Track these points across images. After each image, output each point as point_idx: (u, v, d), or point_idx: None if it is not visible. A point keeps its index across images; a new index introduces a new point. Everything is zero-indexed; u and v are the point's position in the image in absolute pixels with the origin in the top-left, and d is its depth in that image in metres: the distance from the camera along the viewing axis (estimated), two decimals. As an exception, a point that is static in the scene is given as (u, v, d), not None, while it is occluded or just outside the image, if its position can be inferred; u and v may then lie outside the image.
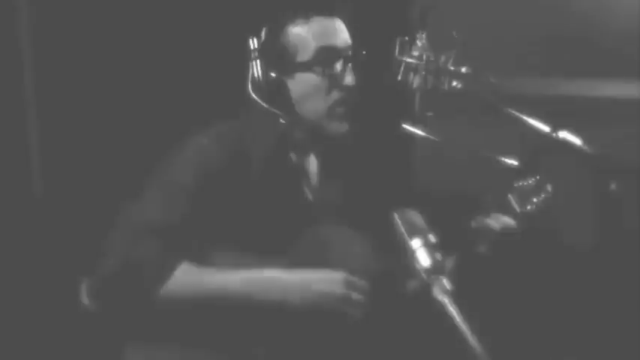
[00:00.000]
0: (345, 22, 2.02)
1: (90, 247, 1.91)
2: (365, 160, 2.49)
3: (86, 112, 2.81)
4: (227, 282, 1.86)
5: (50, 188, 2.82)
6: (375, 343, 1.99)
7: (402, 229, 1.61)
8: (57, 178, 2.81)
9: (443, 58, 2.03)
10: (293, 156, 2.06)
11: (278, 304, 1.86)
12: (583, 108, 2.85)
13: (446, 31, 2.04)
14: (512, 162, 2.04)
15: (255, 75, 1.99)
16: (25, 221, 2.78)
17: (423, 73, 2.03)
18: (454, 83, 2.05)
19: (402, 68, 2.04)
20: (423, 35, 2.04)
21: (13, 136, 2.77)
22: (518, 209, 2.05)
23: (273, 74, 1.98)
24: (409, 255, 1.59)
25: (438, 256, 1.59)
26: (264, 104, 1.98)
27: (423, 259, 1.58)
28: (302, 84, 1.98)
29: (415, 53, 2.03)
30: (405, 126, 2.07)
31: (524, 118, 2.00)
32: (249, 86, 2.00)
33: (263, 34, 2.01)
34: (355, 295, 1.88)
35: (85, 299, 1.88)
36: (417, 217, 1.63)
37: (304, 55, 1.98)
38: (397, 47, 2.05)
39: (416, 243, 1.59)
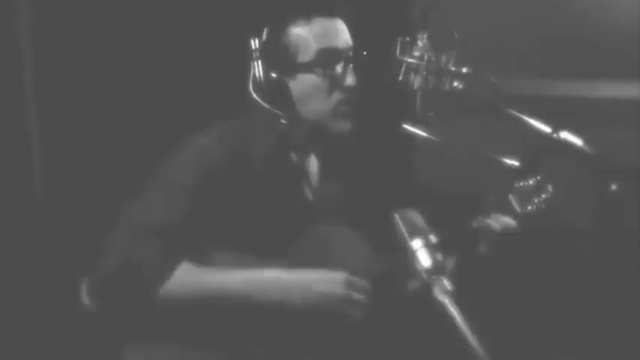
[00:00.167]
0: (346, 22, 2.02)
1: (90, 247, 1.91)
2: (366, 160, 2.49)
3: (86, 112, 2.81)
4: (227, 282, 1.86)
5: (50, 188, 2.82)
6: (375, 344, 1.99)
7: (403, 230, 1.61)
8: (57, 179, 2.81)
9: (444, 59, 2.03)
10: (294, 156, 2.06)
11: (278, 305, 1.86)
12: (583, 108, 2.85)
13: (447, 32, 2.04)
14: (513, 162, 2.04)
15: (257, 75, 1.99)
16: (25, 221, 2.78)
17: (424, 73, 2.03)
18: (455, 83, 2.05)
19: (403, 68, 2.04)
20: (424, 35, 2.04)
21: (13, 136, 2.77)
22: (518, 209, 2.05)
23: (274, 74, 1.98)
24: (410, 255, 1.59)
25: (439, 256, 1.59)
26: (265, 104, 1.98)
27: (424, 259, 1.58)
28: (303, 84, 1.98)
29: (416, 53, 2.03)
30: (406, 126, 2.07)
31: (525, 118, 2.00)
32: (250, 86, 2.00)
33: (264, 34, 2.01)
34: (356, 296, 1.88)
35: (85, 299, 1.88)
36: (417, 218, 1.63)
37: (305, 56, 1.98)
38: (398, 47, 2.05)
39: (417, 243, 1.59)
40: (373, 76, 2.08)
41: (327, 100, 1.99)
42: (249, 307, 1.86)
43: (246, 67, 2.00)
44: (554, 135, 1.96)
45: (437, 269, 1.57)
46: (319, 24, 1.98)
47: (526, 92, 2.79)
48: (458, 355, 1.52)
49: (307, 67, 1.97)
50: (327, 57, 1.98)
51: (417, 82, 2.04)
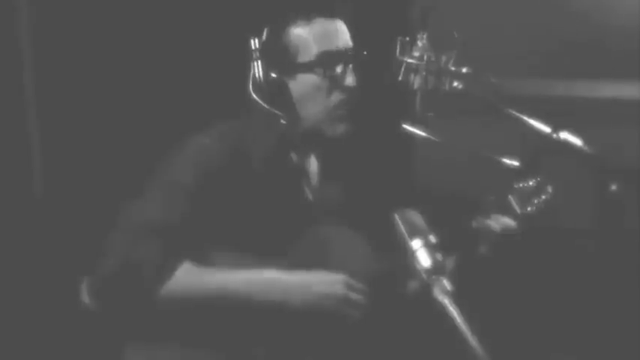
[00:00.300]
0: (346, 22, 2.02)
1: (90, 247, 1.91)
2: (365, 161, 2.49)
3: (86, 112, 2.81)
4: (227, 282, 1.86)
5: (50, 188, 2.82)
6: (375, 344, 1.99)
7: (403, 230, 1.61)
8: (57, 179, 2.81)
9: (444, 59, 2.03)
10: (293, 156, 2.06)
11: (278, 305, 1.86)
12: (583, 108, 2.85)
13: (447, 32, 2.04)
14: (513, 163, 2.04)
15: (256, 75, 1.99)
16: (25, 221, 2.78)
17: (424, 73, 2.03)
18: (455, 84, 2.04)
19: (402, 69, 2.04)
20: (424, 36, 2.04)
21: (13, 136, 2.77)
22: (518, 210, 2.05)
23: (274, 75, 1.98)
24: (409, 255, 1.59)
25: (439, 256, 1.59)
26: (264, 105, 1.98)
27: (424, 259, 1.58)
28: (303, 85, 1.98)
29: (416, 54, 2.03)
30: (406, 126, 2.07)
31: (525, 118, 2.00)
32: (250, 86, 2.00)
33: (264, 34, 2.01)
34: (355, 297, 1.88)
35: (85, 299, 1.88)
36: (417, 218, 1.63)
37: (305, 57, 1.98)
38: (398, 47, 2.05)
39: (416, 243, 1.59)
40: (373, 76, 2.08)
41: (326, 101, 1.99)
42: (249, 308, 1.86)
43: (247, 67, 2.00)
44: (554, 135, 1.96)
45: (436, 269, 1.57)
46: (319, 24, 1.98)
47: (526, 92, 2.79)
48: (458, 356, 1.52)
49: (307, 68, 1.97)
50: (327, 57, 1.97)
51: (416, 82, 2.04)
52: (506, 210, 2.05)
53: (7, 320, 2.73)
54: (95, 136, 2.81)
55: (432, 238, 1.60)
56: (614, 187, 1.90)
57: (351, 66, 2.00)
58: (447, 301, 1.53)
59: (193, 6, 2.84)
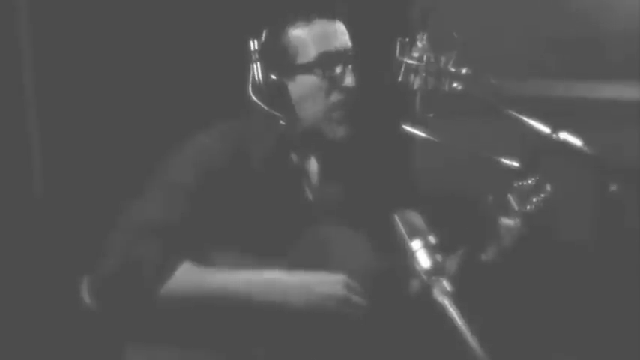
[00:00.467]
0: (345, 23, 2.02)
1: (90, 247, 1.91)
2: (365, 161, 2.49)
3: (86, 112, 2.81)
4: (227, 282, 1.86)
5: (50, 188, 2.82)
6: (375, 344, 1.99)
7: (403, 230, 1.61)
8: (57, 178, 2.81)
9: (443, 59, 2.03)
10: (294, 157, 2.06)
11: (278, 305, 1.86)
12: (583, 109, 2.85)
13: (446, 33, 2.04)
14: (513, 163, 2.04)
15: (256, 77, 1.99)
16: (25, 221, 2.78)
17: (424, 74, 2.03)
18: (455, 84, 2.05)
19: (402, 69, 2.04)
20: (424, 36, 2.04)
21: (13, 136, 2.77)
22: (517, 209, 2.05)
23: (273, 76, 1.98)
24: (409, 256, 1.60)
25: (439, 257, 1.59)
26: (264, 106, 1.98)
27: (423, 260, 1.58)
28: (302, 86, 1.98)
29: (416, 54, 2.03)
30: (406, 127, 2.07)
31: (525, 119, 2.00)
32: (250, 88, 2.00)
33: (263, 35, 2.01)
34: (355, 297, 1.88)
35: (85, 298, 1.88)
36: (417, 218, 1.63)
37: (304, 58, 1.97)
38: (398, 48, 2.05)
39: (416, 244, 1.60)
40: (373, 76, 2.08)
41: (325, 101, 1.99)
42: (249, 308, 1.86)
43: (246, 68, 2.00)
44: (554, 135, 1.96)
45: (436, 270, 1.57)
46: (318, 25, 1.98)
47: (526, 92, 2.79)
48: (458, 356, 1.52)
49: (306, 69, 1.97)
50: (326, 58, 1.97)
51: (416, 82, 2.04)
52: (506, 209, 2.05)
53: (7, 320, 2.73)
54: (95, 136, 2.81)
55: (432, 239, 1.60)
56: (614, 187, 1.90)
57: (350, 67, 2.00)
58: (447, 302, 1.53)
59: (193, 7, 2.84)
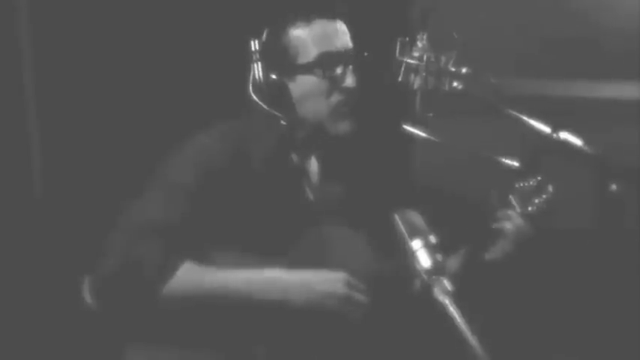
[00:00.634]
0: (345, 23, 2.02)
1: (90, 247, 1.91)
2: (366, 161, 2.49)
3: (86, 112, 2.81)
4: (228, 281, 1.86)
5: (50, 188, 2.82)
6: (375, 344, 1.99)
7: (403, 230, 1.61)
8: (57, 178, 2.81)
9: (443, 59, 2.03)
10: (294, 156, 2.06)
11: (279, 304, 1.86)
12: (583, 108, 2.86)
13: (446, 32, 2.04)
14: (513, 163, 2.04)
15: (256, 76, 1.99)
16: (25, 221, 2.78)
17: (424, 73, 2.03)
18: (455, 84, 2.05)
19: (402, 69, 2.04)
20: (424, 36, 2.04)
21: (13, 136, 2.77)
22: (519, 210, 2.05)
23: (273, 76, 1.98)
24: (410, 256, 1.60)
25: (439, 257, 1.59)
26: (264, 106, 1.98)
27: (424, 259, 1.58)
28: (303, 86, 1.98)
29: (416, 54, 2.04)
30: (406, 126, 2.07)
31: (525, 118, 2.00)
32: (250, 88, 2.00)
33: (264, 35, 2.01)
34: (356, 296, 1.88)
35: (86, 298, 1.88)
36: (417, 218, 1.64)
37: (305, 58, 1.97)
38: (398, 48, 2.05)
39: (416, 244, 1.60)
40: (373, 76, 2.08)
41: (326, 102, 1.99)
42: (250, 307, 1.86)
43: (247, 68, 2.00)
44: (554, 135, 1.96)
45: (437, 270, 1.57)
46: (319, 25, 1.98)
47: (526, 92, 2.79)
48: (458, 356, 1.52)
49: (307, 69, 1.97)
50: (327, 58, 1.97)
51: (416, 82, 2.04)
52: (508, 208, 2.05)
53: (7, 320, 2.73)
54: (95, 136, 2.81)
55: (432, 239, 1.60)
56: (614, 187, 1.90)
57: (351, 67, 2.00)
58: (447, 302, 1.53)
59: (193, 7, 2.84)
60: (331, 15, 2.00)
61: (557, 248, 2.89)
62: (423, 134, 2.07)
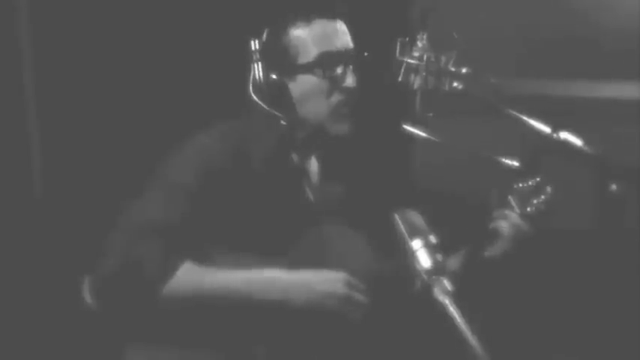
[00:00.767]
0: (346, 23, 2.02)
1: (90, 247, 1.91)
2: (366, 161, 2.49)
3: (86, 112, 2.81)
4: (228, 281, 1.86)
5: (50, 188, 2.82)
6: (375, 344, 1.99)
7: (403, 230, 1.61)
8: (57, 178, 2.81)
9: (443, 59, 2.03)
10: (294, 156, 2.06)
11: (279, 304, 1.86)
12: (583, 108, 2.85)
13: (446, 32, 2.04)
14: (513, 163, 2.04)
15: (256, 76, 1.99)
16: (25, 221, 2.78)
17: (424, 73, 2.03)
18: (455, 84, 2.05)
19: (402, 69, 2.04)
20: (424, 36, 2.04)
21: (13, 136, 2.77)
22: (518, 211, 2.05)
23: (274, 76, 1.98)
24: (410, 256, 1.60)
25: (439, 256, 1.59)
26: (264, 106, 1.98)
27: (424, 259, 1.58)
28: (303, 86, 1.98)
29: (416, 54, 2.04)
30: (406, 126, 2.07)
31: (525, 118, 2.00)
32: (250, 88, 2.00)
33: (264, 35, 2.01)
34: (356, 296, 1.88)
35: (86, 298, 1.88)
36: (417, 218, 1.64)
37: (305, 58, 1.97)
38: (398, 48, 2.05)
39: (416, 244, 1.60)
40: (373, 76, 2.08)
41: (326, 102, 1.99)
42: (250, 307, 1.86)
43: (247, 68, 2.00)
44: (554, 135, 1.96)
45: (437, 270, 1.57)
46: (319, 25, 1.98)
47: (526, 92, 2.79)
48: (458, 356, 1.52)
49: (307, 69, 1.97)
50: (327, 58, 1.97)
51: (416, 82, 2.04)
52: (507, 208, 2.05)
53: (7, 320, 2.73)
54: (95, 136, 2.81)
55: (433, 239, 1.60)
56: (614, 187, 1.90)
57: (351, 67, 2.00)
58: (447, 302, 1.53)
59: (194, 7, 2.84)
60: (331, 15, 2.00)
61: (556, 248, 2.89)
62: (423, 134, 2.07)
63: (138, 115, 2.81)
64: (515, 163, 2.04)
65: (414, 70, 2.03)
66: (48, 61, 2.78)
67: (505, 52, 2.96)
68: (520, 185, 2.07)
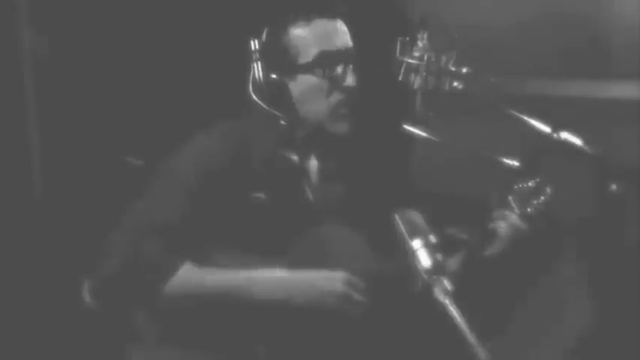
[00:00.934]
0: (346, 22, 2.02)
1: (90, 247, 1.92)
2: (366, 161, 2.49)
3: (86, 112, 2.81)
4: (229, 281, 1.87)
5: (50, 188, 2.82)
6: (375, 343, 1.99)
7: (403, 230, 1.61)
8: (57, 178, 2.81)
9: (444, 59, 2.03)
10: (294, 156, 2.06)
11: (279, 303, 1.86)
12: (583, 108, 2.85)
13: (447, 32, 2.04)
14: (513, 162, 2.04)
15: (256, 76, 1.99)
16: (25, 221, 2.78)
17: (424, 73, 2.03)
18: (455, 84, 2.05)
19: (403, 69, 2.04)
20: (424, 35, 2.04)
21: (13, 136, 2.77)
22: (517, 211, 2.05)
23: (273, 75, 1.98)
24: (410, 255, 1.60)
25: (439, 256, 1.59)
26: (264, 105, 1.98)
27: (424, 259, 1.58)
28: (303, 85, 1.98)
29: (416, 54, 2.04)
30: (406, 126, 2.07)
31: (525, 118, 2.00)
32: (250, 87, 2.00)
33: (264, 35, 2.01)
34: (356, 294, 1.88)
35: (87, 298, 1.88)
36: (417, 218, 1.64)
37: (305, 57, 1.97)
38: (398, 47, 2.05)
39: (416, 243, 1.60)
40: (373, 76, 2.08)
41: (326, 101, 1.99)
42: (250, 306, 1.86)
43: (247, 68, 2.00)
44: (554, 135, 1.96)
45: (437, 269, 1.57)
46: (319, 25, 1.98)
47: (526, 91, 2.79)
48: (458, 355, 1.52)
49: (307, 69, 1.97)
50: (327, 58, 1.97)
51: (417, 82, 2.04)
52: (507, 208, 2.05)
53: (7, 320, 2.73)
54: (95, 136, 2.81)
55: (433, 238, 1.60)
56: (614, 187, 1.90)
57: (351, 66, 2.00)
58: (447, 301, 1.53)
59: (194, 6, 2.84)
60: (331, 14, 2.00)
61: (556, 248, 2.89)
62: (423, 134, 2.07)
63: (138, 115, 2.81)
64: (515, 163, 2.04)
65: (414, 69, 2.03)
66: (48, 62, 2.78)
67: (505, 52, 2.96)
68: (520, 186, 2.07)
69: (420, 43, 2.04)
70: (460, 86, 2.04)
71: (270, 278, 1.87)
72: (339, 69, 1.99)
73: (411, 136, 2.08)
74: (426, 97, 2.06)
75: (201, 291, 1.86)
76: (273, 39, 1.99)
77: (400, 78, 2.05)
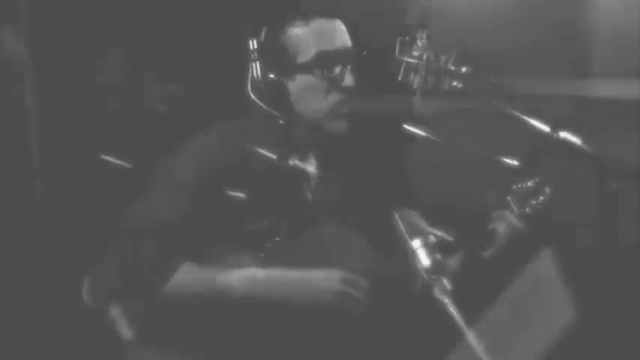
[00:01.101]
0: (344, 22, 2.02)
1: (90, 248, 1.91)
2: (365, 160, 2.49)
3: (86, 112, 2.81)
4: (227, 281, 1.87)
5: (50, 188, 2.82)
6: (375, 343, 1.99)
7: (403, 229, 1.61)
8: (57, 179, 2.81)
9: (443, 58, 2.03)
10: (293, 156, 2.06)
11: (277, 302, 1.86)
12: (583, 108, 2.85)
13: (447, 32, 2.04)
14: (513, 162, 2.04)
15: (255, 76, 1.99)
16: (25, 221, 2.78)
17: (424, 73, 2.03)
18: (454, 83, 2.05)
19: (402, 68, 2.04)
20: (424, 35, 2.04)
21: (13, 136, 2.77)
22: (516, 211, 2.05)
23: (272, 75, 1.98)
24: (409, 255, 1.60)
25: (438, 256, 1.59)
26: (263, 105, 1.98)
27: (424, 259, 1.59)
28: (301, 85, 1.98)
29: (415, 53, 2.04)
30: (406, 126, 2.07)
31: (525, 118, 2.00)
32: (249, 87, 2.00)
33: (263, 34, 2.01)
34: (353, 292, 1.88)
35: (86, 298, 1.88)
36: (417, 218, 1.64)
37: (304, 57, 1.97)
38: (397, 47, 2.05)
39: (416, 243, 1.60)
40: (373, 76, 2.08)
41: (325, 101, 1.99)
42: (249, 305, 1.86)
43: (246, 67, 2.00)
44: (554, 135, 1.96)
45: (436, 269, 1.57)
46: (318, 24, 1.98)
47: (526, 92, 2.79)
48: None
49: (305, 68, 1.97)
50: (326, 58, 1.97)
51: (416, 81, 2.04)
52: (505, 208, 2.05)
53: (7, 320, 2.73)
54: (95, 136, 2.81)
55: (432, 238, 1.61)
56: (614, 187, 1.90)
57: (349, 66, 2.00)
58: (447, 301, 1.53)
59: (193, 6, 2.84)
60: (330, 14, 2.00)
61: (556, 248, 2.89)
62: (422, 133, 2.07)
63: (137, 115, 2.81)
64: (515, 163, 2.04)
65: (414, 69, 2.03)
66: (48, 61, 2.78)
67: (505, 52, 2.96)
68: (519, 186, 2.07)
69: (419, 43, 2.04)
70: (460, 85, 2.04)
71: (269, 278, 1.88)
72: (338, 69, 1.99)
73: (411, 136, 2.08)
74: (425, 97, 2.06)
75: (199, 291, 1.86)
76: (272, 39, 1.99)
77: (400, 77, 2.05)
